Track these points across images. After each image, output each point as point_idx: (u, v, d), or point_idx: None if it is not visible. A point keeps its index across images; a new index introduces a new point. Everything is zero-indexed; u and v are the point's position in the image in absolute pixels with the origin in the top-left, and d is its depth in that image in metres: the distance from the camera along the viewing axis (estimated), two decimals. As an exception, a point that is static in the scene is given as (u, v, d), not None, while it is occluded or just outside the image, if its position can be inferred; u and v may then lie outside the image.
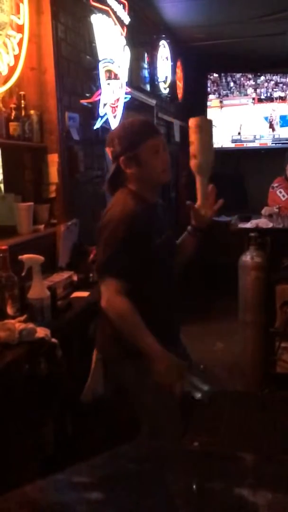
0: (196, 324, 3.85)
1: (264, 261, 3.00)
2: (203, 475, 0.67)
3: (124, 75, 3.52)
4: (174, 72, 5.37)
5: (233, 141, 6.81)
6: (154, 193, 1.72)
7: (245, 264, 3.03)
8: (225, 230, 3.46)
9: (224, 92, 6.79)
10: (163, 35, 4.90)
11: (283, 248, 3.06)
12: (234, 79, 6.81)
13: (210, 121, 1.79)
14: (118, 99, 3.43)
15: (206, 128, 1.71)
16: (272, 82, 6.85)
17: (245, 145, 6.82)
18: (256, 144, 6.83)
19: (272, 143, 6.84)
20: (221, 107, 6.79)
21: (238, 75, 6.76)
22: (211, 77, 6.72)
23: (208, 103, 6.76)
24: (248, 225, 3.21)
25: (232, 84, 6.81)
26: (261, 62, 6.53)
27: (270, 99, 6.86)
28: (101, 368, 1.75)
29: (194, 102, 6.41)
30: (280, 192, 3.86)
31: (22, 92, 2.38)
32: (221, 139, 6.75)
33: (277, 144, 6.80)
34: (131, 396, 1.72)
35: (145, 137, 1.61)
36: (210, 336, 3.94)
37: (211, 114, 6.65)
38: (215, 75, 6.67)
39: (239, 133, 6.81)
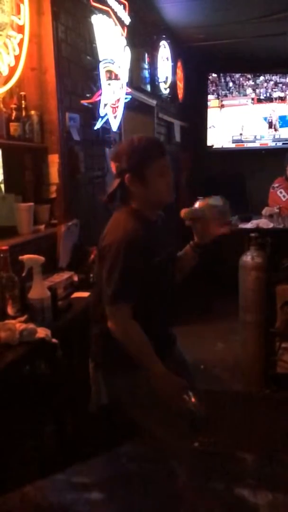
0: (196, 324, 3.85)
1: (264, 262, 3.00)
2: (204, 475, 0.67)
3: (124, 76, 3.52)
4: (174, 72, 5.37)
5: (234, 141, 6.81)
6: (155, 212, 1.70)
7: (245, 264, 3.03)
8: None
9: (223, 92, 6.78)
10: (164, 36, 4.90)
11: (284, 249, 3.06)
12: (233, 79, 6.79)
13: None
14: (118, 100, 3.43)
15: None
16: (272, 82, 6.84)
17: (245, 145, 6.82)
18: (256, 144, 6.83)
19: (272, 143, 6.84)
20: (221, 107, 6.78)
21: (237, 75, 6.75)
22: (210, 77, 6.71)
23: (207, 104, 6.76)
24: (249, 225, 3.21)
25: (231, 84, 6.80)
26: (262, 63, 6.53)
27: (269, 99, 6.85)
28: (98, 378, 1.74)
29: (194, 103, 6.42)
30: (281, 192, 3.86)
31: (22, 93, 2.38)
32: (222, 139, 6.75)
33: (277, 144, 6.80)
34: (124, 407, 1.71)
35: (153, 158, 1.60)
36: (210, 336, 3.94)
37: (210, 114, 6.66)
38: (214, 75, 6.66)
39: (240, 134, 6.80)
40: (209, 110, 6.67)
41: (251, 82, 6.83)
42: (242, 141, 6.82)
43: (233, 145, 6.79)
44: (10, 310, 1.85)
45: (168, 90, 5.10)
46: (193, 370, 3.24)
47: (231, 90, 6.81)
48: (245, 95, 6.83)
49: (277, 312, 3.03)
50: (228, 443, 2.54)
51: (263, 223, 3.20)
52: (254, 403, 2.95)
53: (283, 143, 6.77)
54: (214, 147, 6.73)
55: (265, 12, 4.66)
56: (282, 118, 6.87)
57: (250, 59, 6.35)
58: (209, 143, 6.70)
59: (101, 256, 1.62)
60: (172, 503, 0.59)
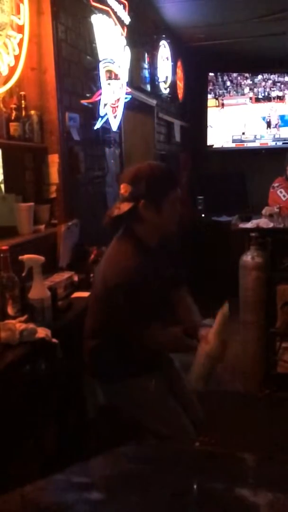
0: (196, 324, 3.83)
1: (264, 261, 3.00)
2: (204, 475, 0.67)
3: (124, 75, 3.52)
4: (174, 72, 5.37)
5: (234, 141, 6.80)
6: (157, 238, 1.71)
7: (245, 264, 3.03)
8: (225, 230, 3.46)
9: (220, 91, 6.76)
10: (164, 35, 4.90)
11: (284, 248, 3.06)
12: (230, 78, 6.77)
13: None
14: (118, 99, 3.43)
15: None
16: (270, 81, 6.82)
17: (245, 145, 6.81)
18: (256, 144, 6.82)
19: (272, 143, 6.83)
20: (222, 106, 6.76)
21: (234, 74, 6.74)
22: (207, 76, 6.70)
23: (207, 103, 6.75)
24: (249, 225, 3.21)
25: (228, 83, 6.78)
26: (262, 62, 6.52)
27: (267, 98, 6.83)
28: (94, 383, 1.83)
29: (194, 102, 6.42)
30: (281, 192, 3.86)
31: (22, 93, 2.38)
32: (222, 139, 6.75)
33: (277, 144, 6.80)
34: (129, 414, 1.77)
35: (171, 188, 1.64)
36: (210, 336, 3.93)
37: (209, 113, 6.66)
38: (211, 74, 6.63)
39: (243, 133, 6.79)
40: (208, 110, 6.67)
41: (249, 81, 6.80)
42: (242, 141, 6.81)
43: (233, 145, 6.79)
44: (10, 310, 1.84)
45: (168, 90, 5.10)
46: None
47: (228, 90, 6.79)
48: (243, 94, 6.81)
49: (277, 312, 3.03)
50: (229, 442, 2.55)
51: (263, 222, 3.20)
52: (254, 403, 2.96)
53: (283, 143, 6.77)
54: (214, 146, 6.73)
55: (265, 12, 4.66)
56: (281, 117, 6.86)
57: (250, 58, 6.35)
58: (209, 143, 6.70)
59: (106, 294, 1.64)
60: (172, 503, 0.58)
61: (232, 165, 6.69)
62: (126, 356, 1.71)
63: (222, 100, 6.75)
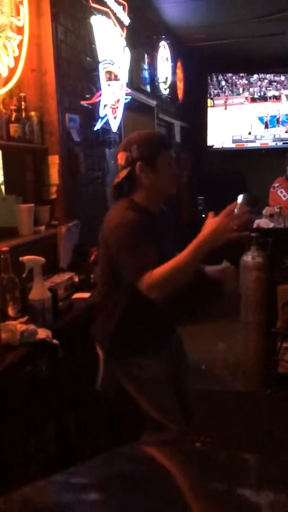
0: (197, 325, 3.85)
1: (265, 261, 3.00)
2: (206, 476, 0.67)
3: (124, 76, 3.52)
4: (174, 72, 5.37)
5: (234, 141, 6.80)
6: (158, 203, 1.76)
7: (246, 264, 3.03)
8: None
9: (215, 91, 6.75)
10: (163, 36, 4.90)
11: (284, 248, 3.05)
12: (225, 78, 6.75)
13: None
14: (118, 100, 3.43)
15: None
16: (266, 81, 6.79)
17: (246, 145, 6.81)
18: (257, 144, 6.82)
19: (272, 143, 6.83)
20: (225, 107, 6.74)
21: (229, 74, 6.71)
22: (207, 76, 6.68)
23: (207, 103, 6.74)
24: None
25: (223, 83, 6.76)
26: (262, 62, 6.52)
27: (263, 98, 6.80)
28: (106, 359, 1.82)
29: (194, 103, 6.42)
30: (281, 192, 3.87)
31: (22, 94, 2.38)
32: (222, 139, 6.75)
33: (277, 144, 6.80)
34: (132, 392, 1.77)
35: (163, 148, 1.70)
36: (211, 336, 3.94)
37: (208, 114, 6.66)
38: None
39: (249, 133, 6.78)
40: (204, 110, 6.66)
41: (244, 81, 6.77)
42: (242, 141, 6.81)
43: (233, 145, 6.79)
44: (11, 311, 1.84)
45: (168, 91, 5.10)
46: (195, 370, 3.25)
47: (223, 90, 6.77)
48: (239, 94, 6.79)
49: (278, 312, 3.03)
50: (230, 442, 2.54)
51: (264, 222, 3.20)
52: (255, 403, 2.96)
53: (283, 143, 6.76)
54: (214, 147, 6.73)
55: (264, 12, 4.66)
56: (274, 117, 6.84)
57: (250, 59, 6.35)
58: (209, 143, 6.70)
59: (107, 244, 1.66)
60: (172, 503, 0.58)
61: (232, 166, 6.70)
62: (136, 326, 1.72)
63: (226, 101, 6.73)
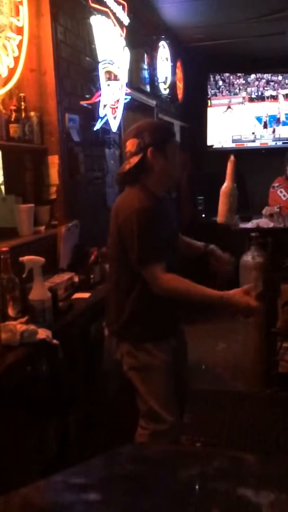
0: (197, 324, 3.84)
1: (265, 261, 3.00)
2: (206, 476, 0.67)
3: (124, 76, 3.52)
4: (174, 72, 5.37)
5: (234, 141, 6.80)
6: (164, 188, 1.87)
7: (246, 264, 3.03)
8: (226, 230, 3.46)
9: (212, 91, 6.73)
10: (163, 36, 4.90)
11: (284, 248, 3.05)
12: (223, 77, 6.74)
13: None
14: (118, 100, 3.43)
15: None
16: (263, 81, 6.78)
17: (245, 145, 6.81)
18: (256, 144, 6.82)
19: (272, 143, 6.83)
20: (229, 108, 6.72)
21: (227, 74, 6.69)
22: (207, 76, 6.67)
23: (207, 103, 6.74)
24: (249, 225, 3.21)
25: (221, 83, 6.74)
26: (262, 62, 6.51)
27: (261, 98, 6.79)
28: (111, 345, 1.90)
29: (194, 103, 6.42)
30: (281, 192, 3.87)
31: (22, 94, 2.38)
32: (222, 138, 6.75)
33: (277, 144, 6.79)
34: (137, 377, 1.82)
35: (171, 134, 1.83)
36: (212, 336, 3.94)
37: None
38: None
39: (253, 133, 6.77)
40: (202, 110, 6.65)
41: (241, 81, 6.76)
42: (241, 141, 6.80)
43: (233, 145, 6.79)
44: (11, 311, 1.84)
45: (167, 91, 5.10)
46: (195, 370, 3.25)
47: (221, 89, 6.76)
48: (236, 94, 6.78)
49: (278, 312, 3.03)
50: (231, 443, 2.54)
51: (264, 222, 3.20)
52: (255, 403, 2.96)
53: (283, 143, 6.76)
54: (214, 147, 6.73)
55: (264, 12, 4.66)
56: (272, 117, 6.84)
57: (250, 58, 6.35)
58: (209, 143, 6.69)
59: (119, 230, 1.73)
60: (172, 504, 0.58)
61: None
62: (147, 311, 1.78)
63: (230, 102, 6.72)
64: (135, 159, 1.74)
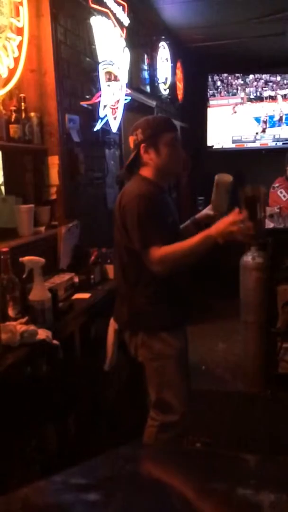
0: (197, 325, 3.85)
1: (265, 262, 3.00)
2: (206, 476, 0.67)
3: (124, 77, 3.53)
4: (174, 73, 5.38)
5: (234, 141, 6.80)
6: (166, 181, 1.91)
7: (246, 264, 3.03)
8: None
9: (210, 91, 6.73)
10: (163, 37, 4.90)
11: (284, 249, 3.05)
12: (221, 78, 6.73)
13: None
14: (118, 101, 3.43)
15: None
16: (262, 81, 6.77)
17: (245, 146, 6.81)
18: (256, 145, 6.82)
19: (272, 143, 6.83)
20: (234, 110, 6.70)
21: (225, 74, 6.69)
22: (207, 77, 6.67)
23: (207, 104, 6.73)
24: (249, 225, 3.20)
25: (219, 83, 6.73)
26: (262, 63, 6.52)
27: (259, 98, 6.78)
28: (117, 340, 1.93)
29: (194, 103, 6.42)
30: (281, 192, 3.87)
31: (22, 95, 2.38)
32: (221, 139, 6.75)
33: (277, 144, 6.79)
34: (152, 367, 1.85)
35: (164, 130, 1.82)
36: (211, 336, 3.94)
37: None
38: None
39: (257, 133, 6.76)
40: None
41: (240, 81, 6.75)
42: (241, 141, 6.81)
43: (233, 145, 6.79)
44: (11, 312, 1.84)
45: (167, 91, 5.10)
46: (195, 370, 3.25)
47: (219, 90, 6.75)
48: (234, 94, 6.77)
49: (278, 312, 3.03)
50: (230, 443, 2.54)
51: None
52: (255, 403, 2.95)
53: (283, 143, 6.76)
54: (214, 147, 6.73)
55: (264, 12, 4.66)
56: (271, 117, 6.84)
57: (250, 59, 6.35)
58: (209, 144, 6.69)
59: (122, 216, 1.77)
60: (172, 504, 0.58)
61: (232, 166, 6.68)
62: (161, 301, 1.81)
63: (236, 104, 6.71)
64: (131, 156, 1.83)
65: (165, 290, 1.80)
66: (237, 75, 6.69)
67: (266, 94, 6.76)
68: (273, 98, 6.77)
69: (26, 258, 1.89)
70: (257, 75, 6.71)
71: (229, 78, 6.71)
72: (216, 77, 6.68)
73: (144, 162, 1.81)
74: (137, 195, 1.74)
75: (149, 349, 1.83)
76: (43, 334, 1.73)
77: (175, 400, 1.82)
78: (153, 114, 4.75)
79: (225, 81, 6.72)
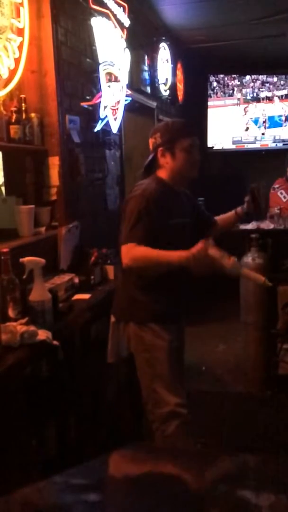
0: (198, 326, 3.85)
1: (265, 263, 3.00)
2: (206, 477, 0.67)
3: (124, 78, 3.53)
4: (174, 74, 5.38)
5: (234, 142, 6.80)
6: (180, 184, 1.93)
7: (246, 265, 3.02)
8: (226, 232, 3.45)
9: (206, 93, 6.73)
10: (163, 38, 4.91)
11: (285, 249, 3.06)
12: (217, 78, 6.72)
13: None
14: (118, 102, 3.43)
15: None
16: (258, 82, 6.76)
17: (246, 147, 6.81)
18: (257, 145, 6.82)
19: (273, 144, 6.83)
20: (245, 112, 6.70)
21: (221, 75, 6.69)
22: (207, 78, 6.66)
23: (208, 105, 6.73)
24: (250, 226, 3.21)
25: (215, 84, 6.72)
26: (262, 64, 6.52)
27: (256, 99, 6.76)
28: (118, 331, 1.95)
29: (194, 104, 6.42)
30: (281, 193, 3.87)
31: (22, 95, 2.39)
32: (222, 140, 6.75)
33: (277, 145, 6.80)
34: (143, 358, 1.88)
35: (181, 135, 1.87)
36: (212, 337, 3.94)
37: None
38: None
39: (263, 133, 6.76)
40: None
41: (236, 82, 6.74)
42: (242, 142, 6.80)
43: (233, 146, 6.79)
44: (11, 313, 1.84)
45: (168, 92, 5.11)
46: (195, 371, 3.25)
47: (215, 91, 6.74)
48: (231, 95, 6.77)
49: (278, 313, 3.03)
50: (230, 443, 2.54)
51: (264, 224, 3.20)
52: (255, 404, 2.95)
53: (284, 144, 6.77)
54: (214, 148, 6.73)
55: (265, 14, 4.66)
56: (271, 118, 6.84)
57: (250, 60, 6.35)
58: (209, 144, 6.69)
59: (124, 208, 1.85)
60: (172, 505, 0.58)
61: (233, 167, 6.69)
62: (154, 293, 1.85)
63: (247, 107, 6.70)
64: (149, 158, 1.92)
65: (158, 283, 1.83)
66: (233, 75, 6.68)
67: (263, 95, 6.76)
68: (269, 99, 6.77)
69: (27, 258, 1.89)
70: (254, 76, 6.71)
71: (226, 78, 6.70)
72: (212, 78, 6.67)
73: (160, 164, 1.89)
74: (141, 194, 1.79)
75: (140, 340, 1.87)
76: (43, 334, 1.73)
77: (166, 392, 1.83)
78: (153, 116, 4.76)
79: (221, 81, 6.71)
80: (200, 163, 1.96)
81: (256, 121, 6.80)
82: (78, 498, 0.58)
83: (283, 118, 6.80)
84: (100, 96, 3.12)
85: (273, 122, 6.81)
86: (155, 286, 1.85)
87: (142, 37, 4.32)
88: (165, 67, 4.96)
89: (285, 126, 6.79)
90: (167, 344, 1.84)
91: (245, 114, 6.71)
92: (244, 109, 6.72)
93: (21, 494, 0.59)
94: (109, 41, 3.27)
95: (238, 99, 6.74)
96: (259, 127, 6.81)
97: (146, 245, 1.73)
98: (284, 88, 6.76)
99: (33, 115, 2.45)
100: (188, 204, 2.01)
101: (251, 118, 6.77)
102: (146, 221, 1.75)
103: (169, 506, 0.58)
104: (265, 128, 6.82)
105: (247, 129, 6.77)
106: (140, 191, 1.81)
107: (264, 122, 6.81)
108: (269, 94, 6.76)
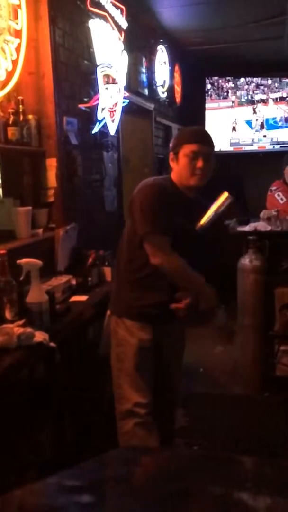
0: (195, 328, 3.84)
1: (263, 264, 3.00)
2: (202, 479, 0.67)
3: (122, 80, 3.53)
4: (172, 76, 5.39)
5: (232, 144, 6.81)
6: (186, 189, 1.92)
7: (244, 267, 3.03)
8: (224, 234, 3.46)
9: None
10: (161, 40, 4.92)
11: (282, 251, 3.06)
12: (211, 81, 6.74)
13: None
14: (116, 104, 3.44)
15: None
16: (253, 84, 6.77)
17: (243, 149, 6.83)
18: (254, 148, 6.84)
19: (270, 146, 6.85)
20: (255, 112, 6.69)
21: (215, 77, 6.71)
22: (205, 80, 6.67)
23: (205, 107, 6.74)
24: (247, 228, 3.21)
25: (209, 86, 6.73)
26: (259, 66, 6.54)
27: (251, 102, 6.78)
28: (111, 322, 1.96)
29: (192, 106, 6.43)
30: (279, 195, 3.87)
31: (20, 97, 2.39)
32: (220, 142, 6.76)
33: (275, 147, 6.81)
34: (114, 352, 1.90)
35: (185, 141, 1.86)
36: (209, 339, 3.94)
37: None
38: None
39: (264, 136, 6.78)
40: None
41: (231, 84, 6.76)
42: (239, 144, 6.82)
43: (231, 148, 6.80)
44: (8, 314, 1.84)
45: (165, 94, 5.12)
46: (193, 373, 3.25)
47: (209, 93, 6.75)
48: (225, 97, 6.78)
49: (275, 315, 3.03)
50: (227, 445, 2.54)
51: (261, 226, 3.20)
52: (253, 406, 2.95)
53: (281, 146, 6.78)
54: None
55: (262, 16, 4.68)
56: (271, 119, 6.86)
57: (248, 62, 6.37)
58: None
59: (130, 205, 1.85)
60: (167, 508, 0.58)
61: (230, 169, 6.70)
62: (139, 289, 1.86)
63: (256, 104, 6.70)
64: (167, 161, 1.97)
65: (149, 281, 1.84)
66: (228, 78, 6.70)
67: (257, 97, 6.78)
68: (264, 102, 6.79)
69: (24, 260, 1.89)
70: (248, 79, 6.73)
71: (220, 81, 6.72)
72: (206, 80, 6.69)
73: (170, 167, 1.95)
74: (145, 187, 1.84)
75: (115, 334, 1.89)
76: (40, 336, 1.73)
77: (129, 389, 1.83)
78: (151, 118, 4.76)
79: (215, 84, 6.73)
80: (211, 173, 1.95)
81: (249, 123, 6.82)
82: (72, 499, 0.58)
83: (278, 120, 6.82)
84: (98, 98, 3.12)
85: (268, 125, 6.83)
86: (145, 283, 1.85)
87: (140, 40, 4.33)
88: (162, 69, 4.97)
89: (283, 128, 6.81)
90: (137, 342, 1.84)
91: (255, 113, 6.71)
92: (253, 109, 6.72)
93: (16, 496, 0.59)
94: (107, 43, 3.27)
95: (233, 102, 6.75)
96: (257, 130, 6.82)
97: (169, 230, 1.76)
98: (278, 91, 6.79)
99: (30, 116, 2.45)
100: (196, 211, 1.93)
101: (251, 119, 6.79)
102: (162, 211, 1.78)
103: (165, 509, 0.58)
104: (261, 129, 6.84)
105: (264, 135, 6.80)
106: (151, 182, 1.87)
107: (262, 124, 6.82)
108: (264, 97, 6.78)
